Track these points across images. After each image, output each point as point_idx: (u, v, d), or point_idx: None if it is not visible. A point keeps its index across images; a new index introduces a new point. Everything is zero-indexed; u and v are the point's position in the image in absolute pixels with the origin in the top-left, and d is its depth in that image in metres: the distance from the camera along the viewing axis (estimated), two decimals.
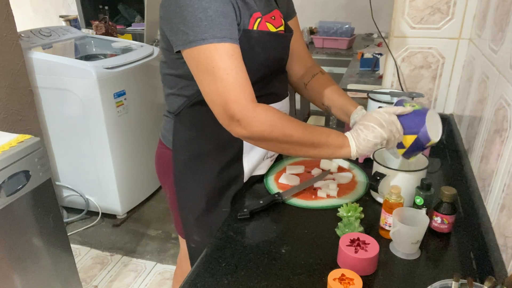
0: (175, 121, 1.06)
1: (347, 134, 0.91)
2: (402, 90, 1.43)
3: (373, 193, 1.06)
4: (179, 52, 0.88)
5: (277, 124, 0.85)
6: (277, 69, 1.06)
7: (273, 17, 0.99)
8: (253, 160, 1.09)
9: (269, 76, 1.02)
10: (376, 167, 1.01)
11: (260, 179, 1.15)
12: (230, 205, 1.08)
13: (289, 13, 1.13)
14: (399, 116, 0.91)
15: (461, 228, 0.94)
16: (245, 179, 1.10)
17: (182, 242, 1.26)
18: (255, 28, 0.92)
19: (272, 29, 0.98)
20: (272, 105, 1.00)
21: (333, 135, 0.90)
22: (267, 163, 1.17)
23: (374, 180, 0.97)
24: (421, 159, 1.02)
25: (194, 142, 1.04)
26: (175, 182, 1.10)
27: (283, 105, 1.10)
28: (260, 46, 0.93)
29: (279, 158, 1.25)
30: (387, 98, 1.29)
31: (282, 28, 1.02)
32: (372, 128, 0.88)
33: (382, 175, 0.96)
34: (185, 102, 1.02)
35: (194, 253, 1.17)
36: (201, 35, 0.82)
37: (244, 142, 1.03)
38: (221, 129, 0.89)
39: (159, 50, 2.65)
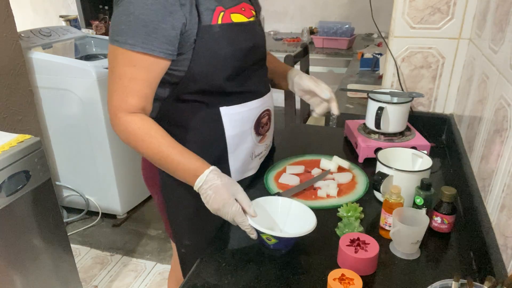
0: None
1: (200, 179, 0.88)
2: (402, 90, 1.43)
3: (375, 192, 1.06)
4: None
5: (132, 140, 0.92)
6: (254, 63, 1.03)
7: (243, 9, 0.99)
8: (239, 159, 1.06)
9: (246, 72, 1.00)
10: (379, 167, 1.01)
11: (260, 179, 1.15)
12: None
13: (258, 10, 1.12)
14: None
15: (461, 228, 0.94)
16: (234, 179, 1.06)
17: (175, 246, 1.23)
18: (219, 22, 0.92)
19: (242, 19, 0.97)
20: (252, 102, 1.02)
21: (181, 170, 0.90)
22: (257, 162, 1.13)
23: (377, 179, 0.97)
24: (424, 159, 1.02)
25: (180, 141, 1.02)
26: (162, 187, 1.08)
27: (264, 101, 1.06)
28: (225, 39, 0.92)
29: (277, 158, 1.26)
30: (387, 98, 1.29)
31: (253, 19, 1.01)
32: (211, 203, 0.88)
33: (385, 175, 0.96)
34: (161, 106, 1.00)
35: (184, 258, 1.16)
36: (116, 37, 0.86)
37: (228, 141, 1.02)
38: (202, 128, 0.90)
39: None
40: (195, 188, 0.89)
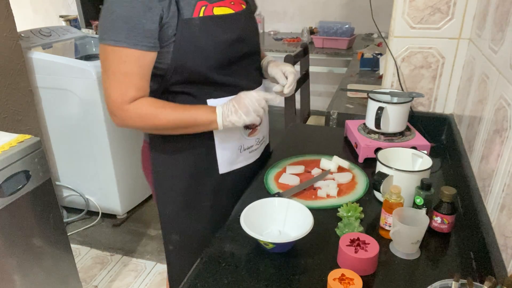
0: None
1: (218, 111, 0.98)
2: (402, 90, 1.43)
3: (375, 192, 1.06)
4: None
5: (149, 118, 0.96)
6: (241, 56, 1.04)
7: (232, 3, 1.03)
8: (226, 151, 1.08)
9: (233, 65, 1.03)
10: (379, 167, 1.01)
11: (260, 179, 1.15)
12: (211, 199, 1.11)
13: (252, 4, 1.15)
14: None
15: (461, 228, 0.94)
16: (222, 171, 1.10)
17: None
18: (200, 15, 0.95)
19: (227, 12, 1.01)
20: None
21: (200, 116, 0.98)
22: (246, 155, 1.14)
23: (377, 179, 0.97)
24: (424, 159, 1.02)
25: (168, 136, 1.07)
26: (154, 176, 1.13)
27: None
28: (205, 32, 0.96)
29: (277, 158, 1.25)
30: (387, 98, 1.29)
31: (240, 11, 1.04)
32: (239, 115, 0.97)
33: (385, 175, 0.96)
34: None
35: (171, 257, 1.18)
36: (102, 35, 0.91)
37: (215, 134, 1.05)
38: None
39: None
40: (219, 119, 0.97)
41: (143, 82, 0.95)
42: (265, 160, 1.25)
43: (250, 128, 1.09)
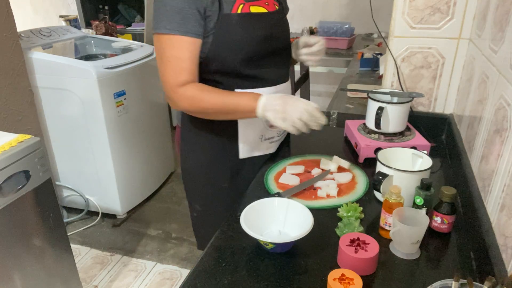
0: None
1: (260, 102, 1.02)
2: (402, 90, 1.43)
3: (375, 192, 1.06)
4: None
5: (195, 100, 1.05)
6: (271, 51, 1.14)
7: (266, 3, 1.12)
8: (248, 138, 1.19)
9: (262, 59, 1.12)
10: (379, 167, 1.01)
11: (260, 179, 1.16)
12: (229, 181, 1.23)
13: (285, 6, 1.25)
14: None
15: (461, 228, 0.94)
16: (242, 155, 1.21)
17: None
18: (238, 12, 1.05)
19: (260, 10, 1.10)
20: (265, 88, 1.14)
21: (243, 102, 1.04)
22: (266, 145, 1.25)
23: (377, 179, 0.97)
24: (424, 159, 1.02)
25: (196, 118, 1.16)
26: (181, 151, 1.26)
27: (278, 90, 1.17)
28: (241, 27, 1.06)
29: (277, 158, 1.26)
30: (387, 98, 1.29)
31: (274, 11, 1.14)
32: (276, 116, 1.01)
33: (385, 175, 0.96)
34: None
35: (195, 222, 1.36)
36: (157, 25, 1.02)
37: (238, 120, 1.15)
38: None
39: None
40: (259, 109, 1.02)
41: (193, 66, 1.05)
42: (265, 161, 1.25)
43: None
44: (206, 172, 1.24)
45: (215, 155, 1.21)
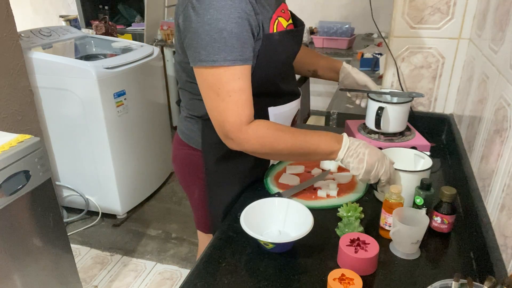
0: (204, 125, 1.06)
1: (344, 143, 0.94)
2: (402, 90, 1.43)
3: (375, 192, 1.06)
4: None
5: (267, 141, 0.92)
6: (290, 64, 1.13)
7: (283, 11, 1.02)
8: None
9: (288, 74, 1.11)
10: None
11: (260, 179, 1.15)
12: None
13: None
14: None
15: (461, 228, 0.94)
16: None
17: (204, 238, 1.30)
18: (275, 30, 0.96)
19: (284, 23, 1.02)
20: (293, 102, 1.11)
21: (324, 144, 0.94)
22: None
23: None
24: (425, 159, 1.02)
25: (223, 144, 0.99)
26: (207, 181, 1.12)
27: (299, 101, 1.16)
28: (281, 46, 0.98)
29: None
30: (387, 98, 1.29)
31: (290, 21, 1.06)
32: (359, 166, 0.93)
33: None
34: None
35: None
36: (212, 56, 0.85)
37: (270, 117, 1.09)
38: None
39: (158, 50, 2.65)
40: (341, 153, 0.94)
41: (252, 97, 0.92)
42: (265, 160, 1.25)
43: None
44: (233, 198, 1.13)
45: (248, 181, 1.14)
